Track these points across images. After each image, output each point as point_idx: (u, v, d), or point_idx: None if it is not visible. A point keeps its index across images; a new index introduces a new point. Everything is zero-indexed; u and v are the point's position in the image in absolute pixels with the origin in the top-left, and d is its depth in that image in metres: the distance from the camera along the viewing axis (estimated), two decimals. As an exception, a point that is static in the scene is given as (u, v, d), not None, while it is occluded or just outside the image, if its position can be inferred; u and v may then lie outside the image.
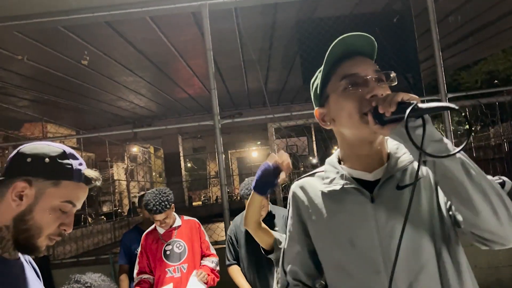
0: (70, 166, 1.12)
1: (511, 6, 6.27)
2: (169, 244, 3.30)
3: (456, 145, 1.04)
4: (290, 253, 1.32)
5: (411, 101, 0.95)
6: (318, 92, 1.23)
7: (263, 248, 2.27)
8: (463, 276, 1.06)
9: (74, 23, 4.97)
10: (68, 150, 1.16)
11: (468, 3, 5.98)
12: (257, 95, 10.82)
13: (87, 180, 1.16)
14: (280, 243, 2.22)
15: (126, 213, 19.62)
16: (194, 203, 24.94)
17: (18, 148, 1.14)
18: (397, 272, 1.02)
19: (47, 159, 1.10)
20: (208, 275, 3.18)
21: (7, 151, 12.03)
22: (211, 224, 6.21)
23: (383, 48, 4.98)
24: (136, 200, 21.82)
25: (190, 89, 9.99)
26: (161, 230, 3.33)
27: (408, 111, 0.94)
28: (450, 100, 4.52)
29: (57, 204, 1.10)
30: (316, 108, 1.25)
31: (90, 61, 6.65)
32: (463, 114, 0.91)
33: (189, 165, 26.32)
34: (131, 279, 3.74)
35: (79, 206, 1.16)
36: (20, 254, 1.13)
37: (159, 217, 3.18)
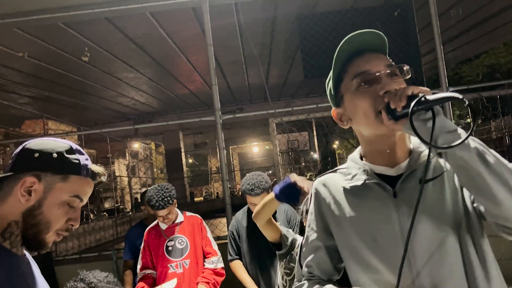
0: (77, 161, 1.13)
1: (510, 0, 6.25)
2: (171, 240, 3.31)
3: None
4: (308, 248, 1.31)
5: (420, 94, 0.94)
6: (332, 92, 1.23)
7: (272, 244, 2.28)
8: (489, 269, 1.04)
9: (74, 19, 4.96)
10: (75, 145, 1.16)
11: (469, -4, 5.95)
12: (258, 90, 10.81)
13: (94, 175, 1.17)
14: (287, 238, 2.22)
15: (130, 209, 19.67)
16: (196, 199, 25.00)
17: (24, 144, 1.14)
18: (419, 266, 1.03)
19: (55, 154, 1.10)
20: (208, 283, 3.19)
21: (8, 148, 12.05)
22: (213, 220, 6.22)
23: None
24: (138, 196, 21.87)
25: (191, 84, 9.98)
26: (163, 226, 3.33)
27: (412, 104, 0.93)
28: (452, 93, 4.51)
29: (66, 199, 1.10)
30: (333, 109, 1.25)
31: (91, 57, 6.64)
32: (467, 103, 0.89)
33: (190, 161, 26.35)
34: (136, 274, 3.76)
35: (85, 201, 1.16)
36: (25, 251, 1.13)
37: (162, 212, 3.19)
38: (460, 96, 0.90)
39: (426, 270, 1.03)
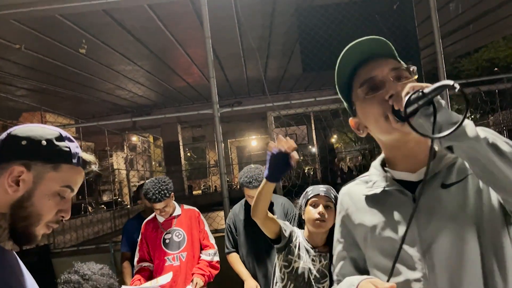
0: (68, 149, 1.07)
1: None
2: (169, 233, 3.31)
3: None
4: (336, 258, 1.33)
5: (418, 90, 0.93)
6: (346, 102, 1.24)
7: (269, 238, 2.27)
8: (509, 278, 1.02)
9: (71, 11, 4.92)
10: (64, 132, 1.10)
11: (469, -11, 5.93)
12: (256, 84, 10.79)
13: (84, 164, 1.11)
14: (285, 231, 2.22)
15: (128, 202, 19.68)
16: (194, 192, 25.04)
17: (8, 131, 1.05)
18: (438, 274, 1.02)
19: (44, 142, 1.03)
20: (203, 275, 3.20)
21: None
22: (211, 213, 6.23)
23: (383, 35, 4.95)
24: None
25: (189, 77, 9.95)
26: (160, 219, 3.34)
27: (405, 99, 0.93)
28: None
29: (57, 189, 1.04)
30: (350, 118, 1.26)
31: (88, 49, 6.61)
32: (458, 88, 0.87)
33: (188, 154, 26.34)
34: (133, 266, 3.77)
35: (76, 191, 1.10)
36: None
37: (159, 205, 3.19)
38: (451, 83, 0.88)
39: (444, 278, 1.03)
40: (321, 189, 2.23)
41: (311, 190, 2.24)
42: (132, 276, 3.69)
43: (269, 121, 4.79)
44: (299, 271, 2.15)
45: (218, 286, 3.30)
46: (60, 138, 1.07)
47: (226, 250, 3.32)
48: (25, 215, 1.01)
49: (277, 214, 3.16)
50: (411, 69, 1.11)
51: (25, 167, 1.01)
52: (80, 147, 1.13)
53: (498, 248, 1.03)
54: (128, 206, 18.09)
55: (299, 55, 5.51)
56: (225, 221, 3.68)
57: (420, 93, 0.92)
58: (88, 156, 1.13)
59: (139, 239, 3.38)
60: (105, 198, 21.72)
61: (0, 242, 1.01)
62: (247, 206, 3.24)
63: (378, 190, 1.16)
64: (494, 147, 0.90)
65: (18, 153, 1.02)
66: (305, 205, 2.24)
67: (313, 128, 12.66)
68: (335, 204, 2.18)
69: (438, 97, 0.92)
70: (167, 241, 3.30)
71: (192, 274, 3.21)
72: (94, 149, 18.39)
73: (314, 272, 2.15)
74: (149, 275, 3.27)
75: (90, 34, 6.32)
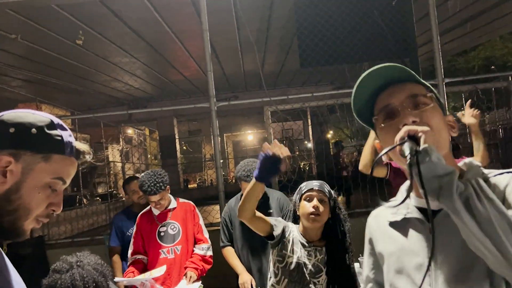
0: (60, 138, 0.98)
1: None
2: (164, 226, 3.31)
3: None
4: (365, 279, 1.35)
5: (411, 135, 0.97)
6: (369, 126, 1.24)
7: (263, 236, 2.27)
8: None
9: (68, 2, 4.88)
10: (56, 119, 1.01)
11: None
12: (253, 78, 10.76)
13: (78, 154, 1.03)
14: (277, 228, 2.22)
15: (123, 195, 19.62)
16: (189, 186, 25.05)
17: None
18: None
19: (33, 130, 0.95)
20: (196, 269, 3.20)
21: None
22: (206, 206, 6.23)
23: (381, 31, 4.94)
24: (131, 182, 21.81)
25: (186, 71, 9.91)
26: (156, 212, 3.33)
27: (383, 154, 0.98)
28: (447, 85, 4.51)
29: (48, 181, 0.96)
30: (376, 142, 1.26)
31: (85, 41, 6.56)
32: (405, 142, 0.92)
33: (184, 147, 26.30)
34: (123, 260, 3.77)
35: (68, 183, 1.02)
36: None
37: (154, 198, 3.18)
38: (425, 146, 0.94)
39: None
40: (314, 183, 2.24)
41: (305, 185, 2.25)
42: (123, 270, 3.69)
43: (266, 115, 4.79)
44: (293, 266, 2.16)
45: (212, 279, 3.31)
46: (52, 126, 0.99)
47: (221, 244, 3.32)
48: (13, 208, 0.93)
49: (273, 208, 3.16)
50: (428, 96, 1.09)
51: (13, 157, 0.93)
52: (76, 139, 1.06)
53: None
54: (123, 199, 18.05)
55: (297, 49, 5.50)
56: (221, 215, 3.68)
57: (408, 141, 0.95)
58: (82, 146, 1.05)
59: (134, 232, 3.37)
60: (100, 190, 21.68)
61: None
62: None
63: (399, 217, 1.16)
64: (469, 208, 0.89)
65: (5, 141, 0.93)
66: (300, 201, 2.24)
67: (310, 123, 12.66)
68: (329, 198, 2.19)
69: (426, 148, 0.93)
70: (162, 234, 3.30)
71: (185, 267, 3.22)
72: (89, 141, 18.31)
73: (310, 266, 2.16)
74: (143, 268, 3.27)
75: (87, 25, 6.27)
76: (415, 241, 1.11)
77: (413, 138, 0.97)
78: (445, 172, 0.91)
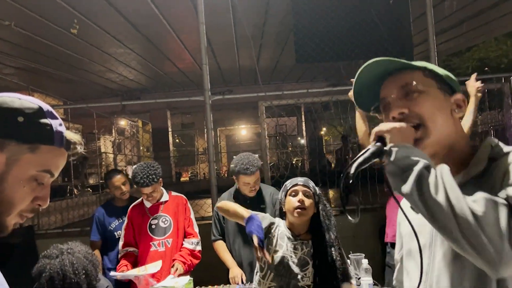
0: (49, 127, 0.90)
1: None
2: (155, 218, 3.31)
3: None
4: (395, 260, 1.37)
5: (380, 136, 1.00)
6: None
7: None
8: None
9: (63, -10, 4.82)
10: (45, 106, 0.92)
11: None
12: (248, 73, 10.73)
13: (68, 145, 0.95)
14: (263, 222, 2.24)
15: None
16: (182, 179, 24.98)
17: None
18: (435, 281, 1.05)
19: (20, 118, 0.86)
20: (184, 263, 3.21)
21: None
22: (198, 200, 6.22)
23: (378, 30, 4.95)
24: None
25: (181, 63, 9.86)
26: (147, 204, 3.33)
27: (354, 163, 0.99)
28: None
29: (34, 174, 0.88)
30: None
31: (80, 30, 6.49)
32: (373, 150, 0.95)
33: (177, 140, 26.20)
34: (104, 254, 3.74)
35: (56, 175, 0.94)
36: None
37: (146, 190, 3.18)
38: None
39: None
40: (299, 179, 2.30)
41: (290, 182, 2.31)
42: (104, 265, 3.68)
43: (260, 110, 4.78)
44: (279, 259, 2.18)
45: (202, 273, 3.31)
46: (40, 113, 0.89)
47: (213, 237, 3.33)
48: None
49: (266, 203, 3.18)
50: (414, 84, 1.10)
51: None
52: (67, 128, 0.98)
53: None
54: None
55: (292, 45, 5.49)
56: (213, 208, 3.68)
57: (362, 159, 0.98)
58: (73, 136, 0.97)
59: (125, 224, 3.36)
60: (91, 181, 21.53)
61: None
62: (236, 195, 3.25)
63: None
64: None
65: None
66: (285, 197, 2.28)
67: (303, 119, 12.68)
68: (314, 193, 2.22)
69: (393, 149, 0.96)
70: (153, 226, 3.29)
71: (173, 260, 3.22)
72: (82, 131, 18.19)
73: (296, 260, 2.18)
74: (134, 261, 3.26)
75: (82, 14, 6.21)
76: (422, 222, 1.13)
77: (382, 139, 0.99)
78: (407, 167, 0.93)
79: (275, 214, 2.41)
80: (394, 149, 0.95)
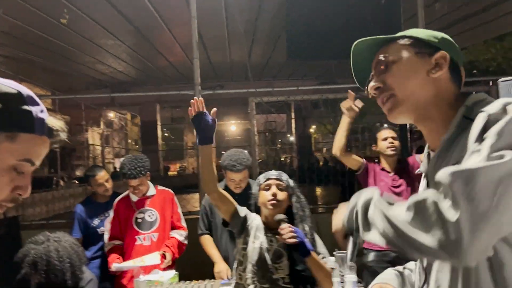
0: (29, 114, 0.83)
1: (496, -2, 6.34)
2: (141, 212, 3.30)
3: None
4: None
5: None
6: None
7: (223, 220, 2.34)
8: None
9: (54, -21, 4.76)
10: (25, 91, 0.84)
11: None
12: (239, 69, 10.70)
13: (51, 132, 0.88)
14: (240, 211, 2.27)
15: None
16: (169, 173, 24.92)
17: None
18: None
19: None
20: (173, 253, 3.22)
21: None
22: (185, 195, 6.21)
23: (369, 29, 4.97)
24: (110, 166, 21.61)
25: (172, 57, 9.80)
26: (134, 198, 3.31)
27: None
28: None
29: (13, 163, 0.83)
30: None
31: (70, 20, 6.41)
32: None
33: (166, 134, 26.12)
34: (85, 249, 3.70)
35: (38, 164, 0.88)
36: None
37: (134, 182, 3.17)
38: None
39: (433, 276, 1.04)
40: (272, 173, 2.33)
41: (263, 176, 2.33)
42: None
43: (250, 107, 4.78)
44: (256, 251, 2.20)
45: (188, 267, 3.31)
46: (20, 99, 0.82)
47: (200, 232, 3.33)
48: None
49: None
50: (401, 49, 1.11)
51: None
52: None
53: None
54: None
55: (284, 42, 5.49)
56: (200, 203, 3.68)
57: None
58: (56, 122, 0.90)
59: (111, 217, 3.34)
60: (78, 173, 21.36)
61: None
62: (225, 190, 3.26)
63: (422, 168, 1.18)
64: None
65: None
66: (258, 191, 2.29)
67: (293, 117, 12.72)
68: (288, 186, 2.25)
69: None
70: (139, 220, 3.28)
71: (165, 245, 3.23)
72: (69, 122, 18.03)
73: (271, 252, 2.20)
74: (120, 254, 3.25)
75: (72, 4, 6.13)
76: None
77: (349, 231, 1.08)
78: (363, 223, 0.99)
79: (252, 209, 2.42)
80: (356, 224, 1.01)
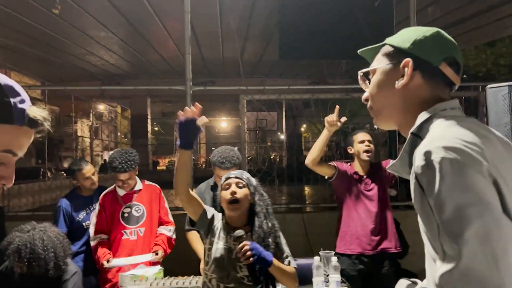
0: (8, 105, 0.80)
1: (488, 3, 6.41)
2: (128, 207, 3.28)
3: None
4: None
5: None
6: None
7: (190, 220, 2.32)
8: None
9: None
10: (4, 80, 0.82)
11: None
12: (232, 65, 10.69)
13: (32, 123, 0.85)
14: (208, 212, 2.27)
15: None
16: (158, 168, 24.83)
17: None
18: None
19: None
20: (165, 250, 3.22)
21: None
22: (173, 190, 6.20)
23: (361, 30, 4.99)
24: (99, 159, 21.46)
25: (164, 51, 9.77)
26: (121, 192, 3.30)
27: None
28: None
29: None
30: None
31: (62, 10, 6.35)
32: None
33: (156, 129, 26.00)
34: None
35: (21, 154, 0.86)
36: None
37: (123, 176, 3.15)
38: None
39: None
40: (232, 173, 2.34)
41: (224, 177, 2.32)
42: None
43: (242, 104, 4.78)
44: (220, 252, 2.20)
45: (174, 263, 3.31)
46: None
47: (187, 227, 3.32)
48: None
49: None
50: (381, 59, 1.13)
51: None
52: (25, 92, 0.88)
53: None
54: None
55: (277, 40, 5.50)
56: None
57: None
58: (38, 112, 0.86)
59: (97, 211, 3.31)
60: (65, 164, 21.20)
61: None
62: (214, 186, 3.26)
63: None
64: None
65: None
66: (220, 192, 2.29)
67: (284, 115, 12.73)
68: (249, 185, 2.25)
69: None
70: (125, 215, 3.27)
71: (155, 244, 3.23)
72: (58, 113, 17.85)
73: (235, 251, 2.19)
74: (108, 249, 3.23)
75: (65, -6, 6.09)
76: None
77: None
78: None
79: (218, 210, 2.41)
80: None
